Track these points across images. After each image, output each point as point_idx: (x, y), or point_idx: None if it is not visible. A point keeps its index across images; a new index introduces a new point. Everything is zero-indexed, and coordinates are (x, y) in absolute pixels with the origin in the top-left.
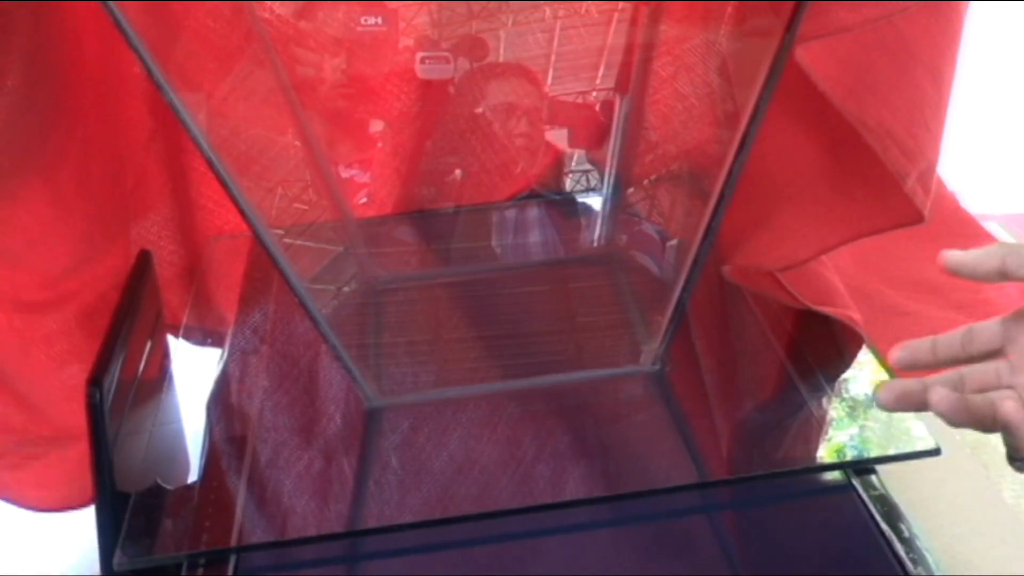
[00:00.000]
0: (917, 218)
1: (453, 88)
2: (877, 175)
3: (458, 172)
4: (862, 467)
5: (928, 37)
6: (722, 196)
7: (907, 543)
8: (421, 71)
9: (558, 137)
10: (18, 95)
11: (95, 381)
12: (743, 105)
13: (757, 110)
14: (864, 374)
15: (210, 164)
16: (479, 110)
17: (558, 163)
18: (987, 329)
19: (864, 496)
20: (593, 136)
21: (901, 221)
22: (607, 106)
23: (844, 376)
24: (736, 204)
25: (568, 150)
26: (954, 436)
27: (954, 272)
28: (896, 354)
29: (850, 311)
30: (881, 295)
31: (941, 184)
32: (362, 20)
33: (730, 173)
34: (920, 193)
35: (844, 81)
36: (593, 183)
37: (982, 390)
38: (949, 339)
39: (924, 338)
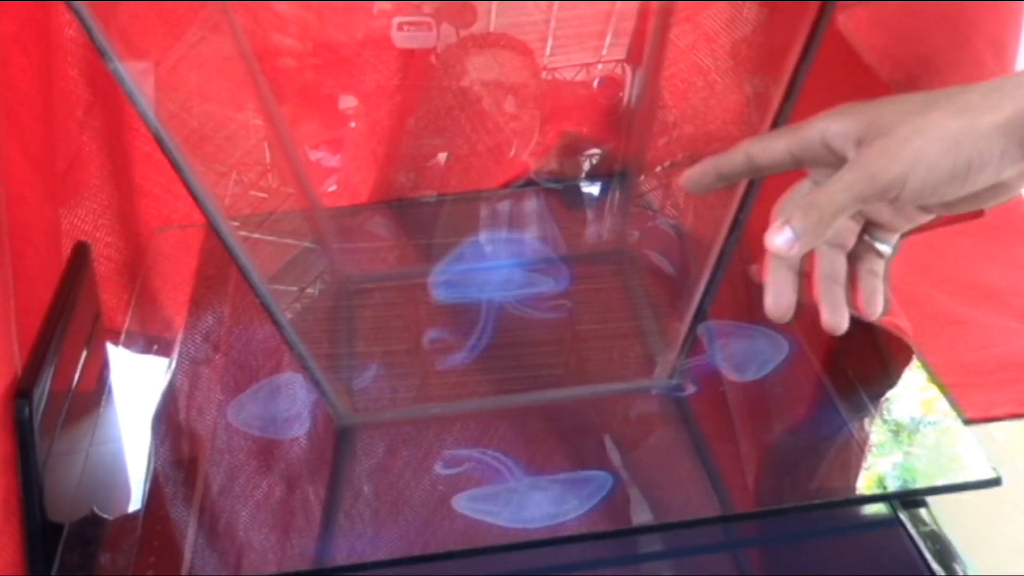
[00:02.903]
0: (975, 212)
1: (435, 58)
2: None
3: (442, 156)
4: (911, 499)
5: (989, 5)
6: (750, 185)
7: None
8: (398, 39)
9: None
10: None
11: (24, 393)
12: (775, 81)
13: (792, 86)
14: (913, 391)
15: (160, 143)
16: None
17: (567, 146)
18: (768, 149)
19: (913, 532)
20: (592, 119)
21: (958, 215)
22: (607, 83)
23: (890, 394)
24: (766, 194)
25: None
26: (1016, 463)
27: (700, 186)
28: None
29: (897, 319)
30: (932, 301)
31: None
32: None
33: None
34: None
35: (893, 52)
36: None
37: None
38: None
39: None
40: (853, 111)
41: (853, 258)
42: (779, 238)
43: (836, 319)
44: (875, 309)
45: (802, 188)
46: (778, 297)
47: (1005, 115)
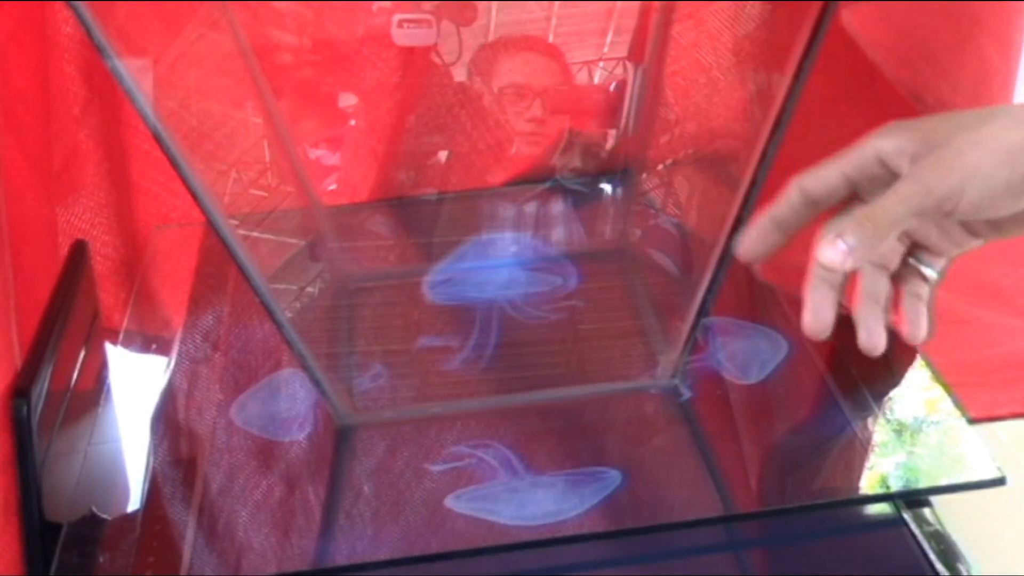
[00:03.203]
0: None
1: (436, 56)
2: None
3: (443, 154)
4: (915, 499)
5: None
6: (753, 183)
7: None
8: (398, 36)
9: None
10: None
11: (21, 392)
12: (778, 78)
13: (795, 84)
14: (917, 390)
15: (158, 141)
16: (493, 91)
17: (569, 144)
18: (820, 177)
19: (917, 532)
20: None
21: None
22: (622, 87)
23: (893, 393)
24: (769, 192)
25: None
26: (1021, 463)
27: (765, 245)
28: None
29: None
30: (936, 299)
31: None
32: None
33: (763, 157)
34: None
35: (897, 49)
36: None
37: None
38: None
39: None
40: (906, 127)
41: (897, 280)
42: (831, 251)
43: (873, 340)
44: (919, 333)
45: (852, 207)
46: (818, 315)
47: None
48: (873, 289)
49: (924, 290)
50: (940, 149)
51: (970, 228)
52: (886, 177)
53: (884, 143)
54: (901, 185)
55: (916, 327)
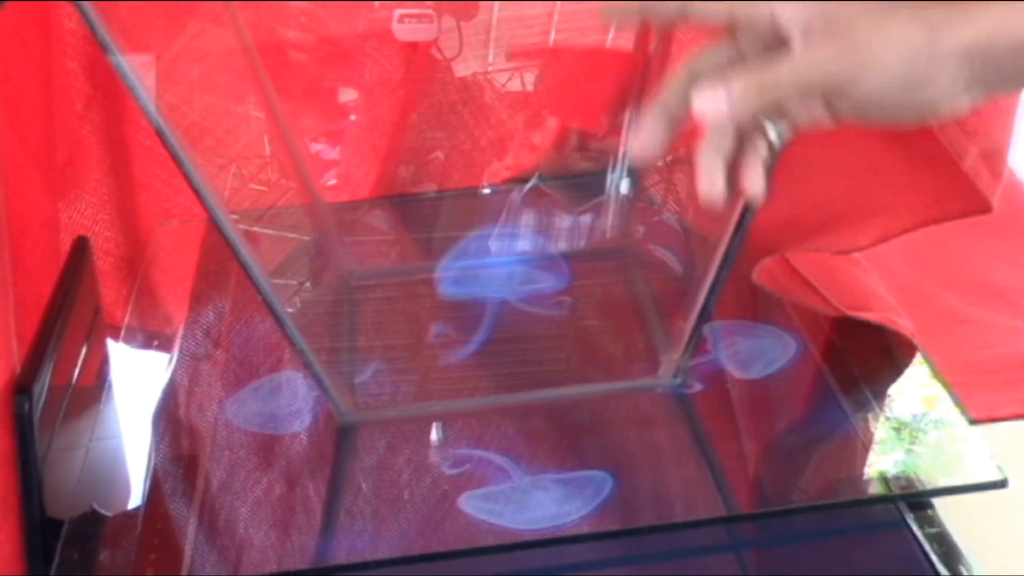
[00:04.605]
0: (984, 207)
1: (437, 51)
2: (945, 157)
3: (439, 153)
4: (916, 500)
5: None
6: None
7: None
8: (399, 32)
9: None
10: None
11: (23, 388)
12: None
13: None
14: (918, 391)
15: (161, 137)
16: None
17: (571, 141)
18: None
19: (918, 533)
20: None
21: (969, 209)
22: None
23: (895, 394)
24: (778, 187)
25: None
26: (1022, 464)
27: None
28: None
29: (898, 317)
30: (938, 299)
31: (1013, 174)
32: None
33: None
34: (986, 176)
35: None
36: None
37: None
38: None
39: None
40: None
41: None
42: (710, 101)
43: (715, 190)
44: (758, 188)
45: (719, 54)
46: (711, 181)
47: (968, 36)
48: (720, 142)
49: (765, 151)
50: (844, 36)
51: (834, 112)
52: (768, 37)
53: (781, 8)
54: (800, 62)
55: (755, 183)
